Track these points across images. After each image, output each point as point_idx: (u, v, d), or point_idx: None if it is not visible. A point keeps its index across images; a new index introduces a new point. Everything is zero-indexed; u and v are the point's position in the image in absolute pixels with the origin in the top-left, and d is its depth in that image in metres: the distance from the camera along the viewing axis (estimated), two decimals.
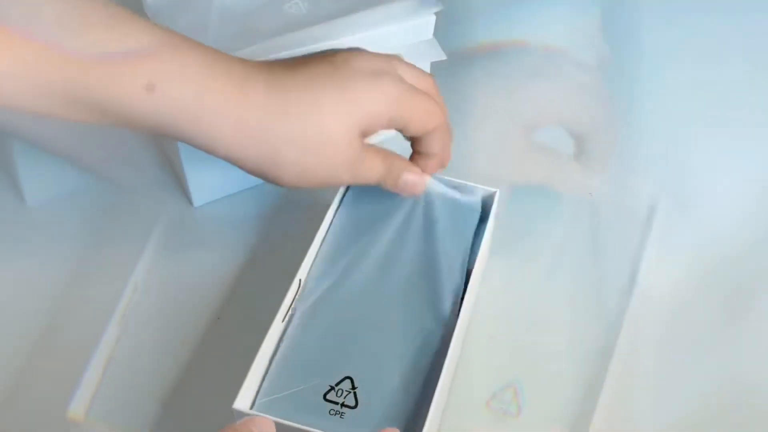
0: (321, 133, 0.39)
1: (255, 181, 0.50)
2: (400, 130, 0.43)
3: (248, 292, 0.49)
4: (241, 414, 0.38)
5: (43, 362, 0.46)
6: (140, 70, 0.37)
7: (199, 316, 0.48)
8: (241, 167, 0.41)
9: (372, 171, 0.42)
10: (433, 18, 0.53)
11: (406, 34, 0.53)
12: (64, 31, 0.36)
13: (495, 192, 0.47)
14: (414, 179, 0.44)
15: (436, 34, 0.54)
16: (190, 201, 0.54)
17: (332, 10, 0.51)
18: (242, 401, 0.38)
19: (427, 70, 0.56)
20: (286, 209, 0.53)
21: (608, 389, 0.44)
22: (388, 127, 0.42)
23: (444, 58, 0.54)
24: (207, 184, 0.53)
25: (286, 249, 0.49)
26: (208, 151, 0.40)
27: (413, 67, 0.44)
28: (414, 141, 0.45)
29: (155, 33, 0.38)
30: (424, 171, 0.45)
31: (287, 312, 0.42)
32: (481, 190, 0.47)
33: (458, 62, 0.61)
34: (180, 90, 0.37)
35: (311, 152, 0.40)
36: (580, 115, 0.60)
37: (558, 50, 0.64)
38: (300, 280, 0.43)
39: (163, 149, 0.55)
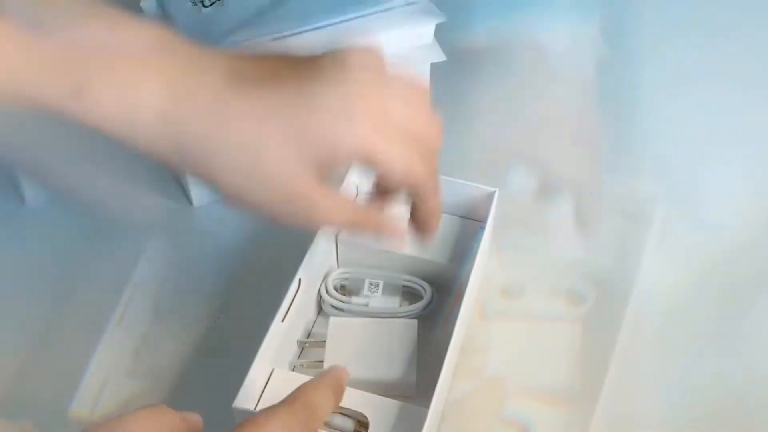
0: (258, 163, 0.34)
1: None
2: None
3: (248, 292, 0.49)
4: (240, 413, 0.38)
5: (44, 362, 0.46)
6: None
7: (199, 315, 0.48)
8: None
9: (330, 216, 0.36)
10: (434, 25, 0.53)
11: (406, 40, 0.53)
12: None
13: (494, 191, 0.47)
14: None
15: (436, 34, 0.54)
16: (189, 201, 0.54)
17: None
18: (242, 400, 0.39)
19: (428, 72, 0.56)
20: None
21: (609, 388, 0.44)
22: (357, 165, 0.37)
23: (444, 59, 0.54)
24: None
25: (286, 249, 0.49)
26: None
27: (416, 104, 0.37)
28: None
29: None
30: (392, 234, 0.38)
31: (287, 312, 0.42)
32: (481, 190, 0.47)
33: (458, 63, 0.61)
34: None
35: (247, 179, 0.34)
36: (580, 115, 0.60)
37: (558, 52, 0.64)
38: (299, 279, 0.43)
39: None
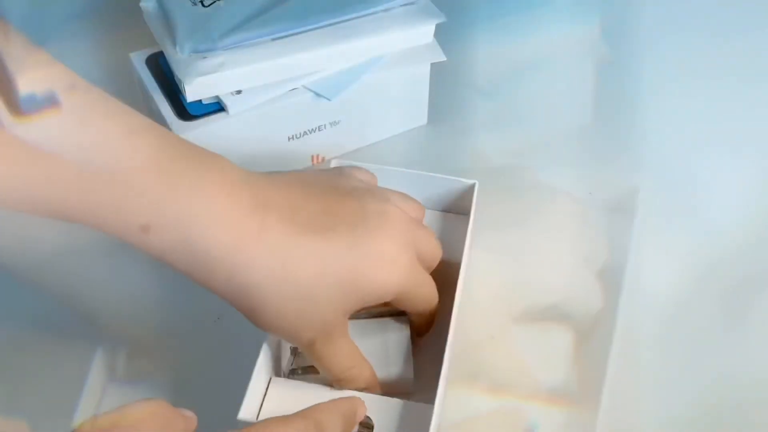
0: (312, 306, 0.37)
1: None
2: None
3: None
4: (246, 424, 0.38)
5: (45, 366, 0.46)
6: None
7: (199, 316, 0.47)
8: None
9: (334, 364, 0.39)
10: (434, 25, 0.53)
11: (406, 40, 0.53)
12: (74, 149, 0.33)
13: (474, 183, 0.47)
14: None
15: (436, 34, 0.54)
16: None
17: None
18: (246, 411, 0.39)
19: (427, 71, 0.56)
20: None
21: (609, 388, 0.44)
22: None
23: (444, 59, 0.54)
24: None
25: None
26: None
27: (411, 204, 0.43)
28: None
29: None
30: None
31: None
32: (461, 183, 0.48)
33: (458, 62, 0.61)
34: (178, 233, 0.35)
35: (295, 317, 0.37)
36: (579, 115, 0.60)
37: (558, 52, 0.64)
38: None
39: None
